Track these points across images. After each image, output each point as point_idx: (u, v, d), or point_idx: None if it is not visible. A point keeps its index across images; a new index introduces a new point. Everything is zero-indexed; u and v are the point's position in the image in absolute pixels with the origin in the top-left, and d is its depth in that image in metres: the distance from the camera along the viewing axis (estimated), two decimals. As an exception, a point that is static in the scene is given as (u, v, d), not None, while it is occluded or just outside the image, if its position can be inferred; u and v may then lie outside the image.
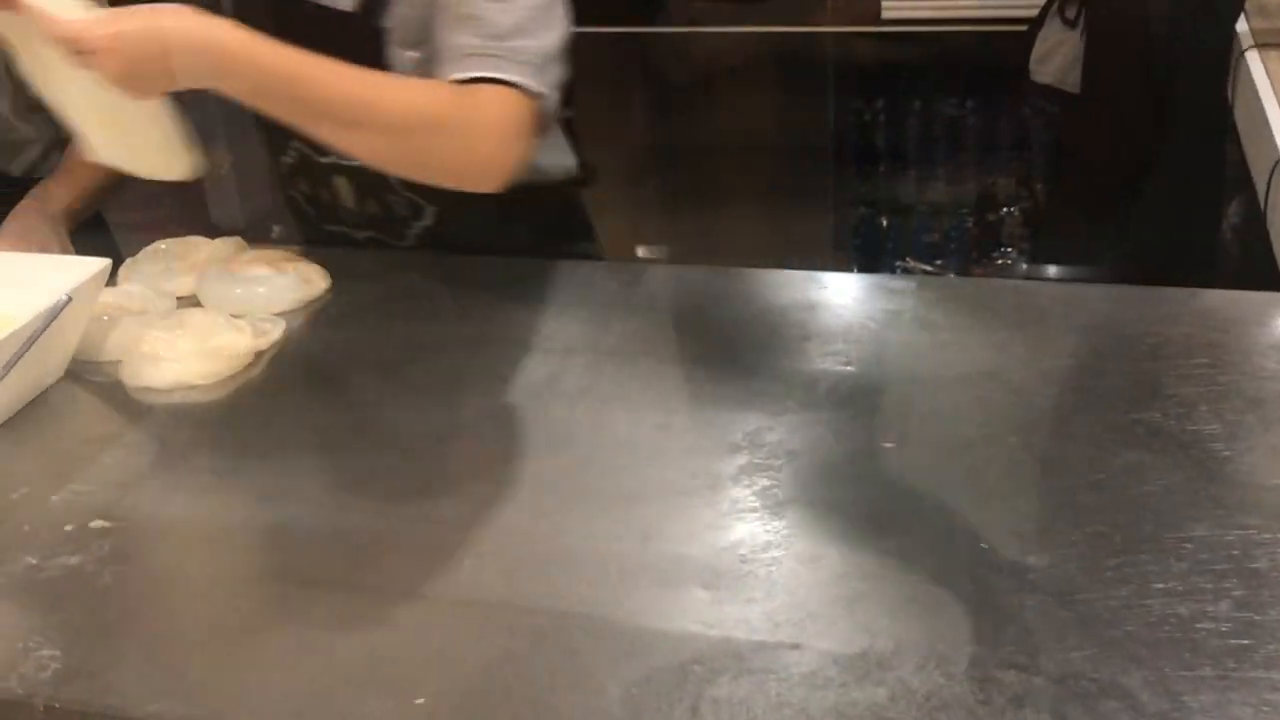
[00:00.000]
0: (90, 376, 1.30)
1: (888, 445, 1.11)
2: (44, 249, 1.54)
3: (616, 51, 2.76)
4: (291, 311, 1.39)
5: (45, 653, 0.92)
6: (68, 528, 1.06)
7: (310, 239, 1.62)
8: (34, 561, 1.02)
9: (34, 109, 1.64)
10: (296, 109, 1.26)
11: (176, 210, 2.28)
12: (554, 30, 1.33)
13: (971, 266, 2.91)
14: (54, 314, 1.21)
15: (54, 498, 1.11)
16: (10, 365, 1.17)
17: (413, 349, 1.32)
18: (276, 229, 2.26)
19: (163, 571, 1.03)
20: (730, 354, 1.28)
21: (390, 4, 1.37)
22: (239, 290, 1.39)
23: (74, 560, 1.02)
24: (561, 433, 1.16)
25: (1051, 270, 2.42)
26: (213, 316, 1.32)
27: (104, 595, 0.99)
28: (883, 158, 2.92)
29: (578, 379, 1.24)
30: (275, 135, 1.51)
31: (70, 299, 1.23)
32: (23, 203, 1.60)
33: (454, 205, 1.47)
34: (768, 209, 2.87)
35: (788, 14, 2.60)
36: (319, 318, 1.39)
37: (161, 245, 1.50)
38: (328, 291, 1.43)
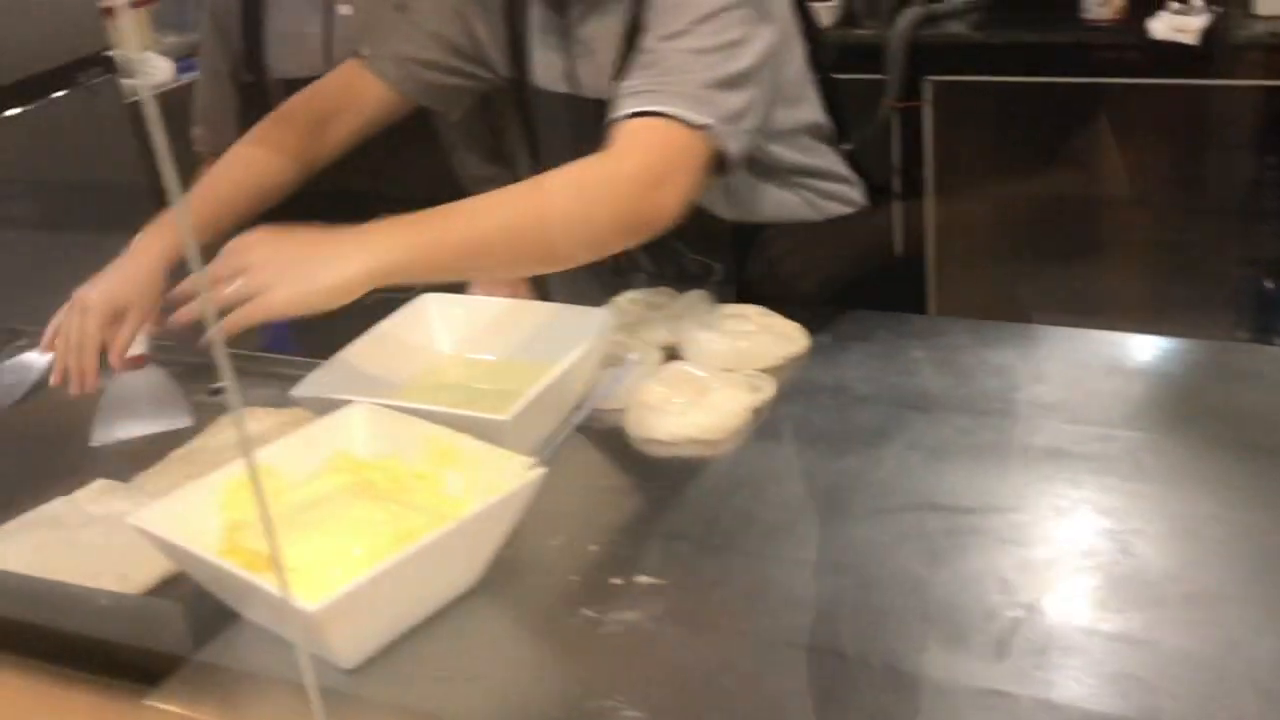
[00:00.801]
0: (593, 423, 1.32)
1: None
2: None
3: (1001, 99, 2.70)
4: (775, 368, 1.38)
5: (630, 714, 0.92)
6: (615, 581, 1.07)
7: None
8: (592, 615, 1.03)
9: (496, 159, 1.71)
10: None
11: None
12: (735, 61, 1.28)
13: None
14: (580, 363, 1.24)
15: (592, 547, 1.12)
16: (568, 418, 1.20)
17: (900, 409, 1.29)
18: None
19: (720, 632, 1.02)
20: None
21: None
22: (721, 345, 1.39)
23: (631, 616, 1.03)
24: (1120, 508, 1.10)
25: None
26: (709, 371, 1.33)
27: (673, 655, 0.98)
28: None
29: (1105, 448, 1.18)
30: None
31: (589, 350, 1.25)
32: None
33: (734, 259, 1.48)
34: (1147, 268, 2.73)
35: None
36: (804, 375, 1.37)
37: (632, 296, 1.52)
38: (808, 350, 1.41)
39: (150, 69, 3.18)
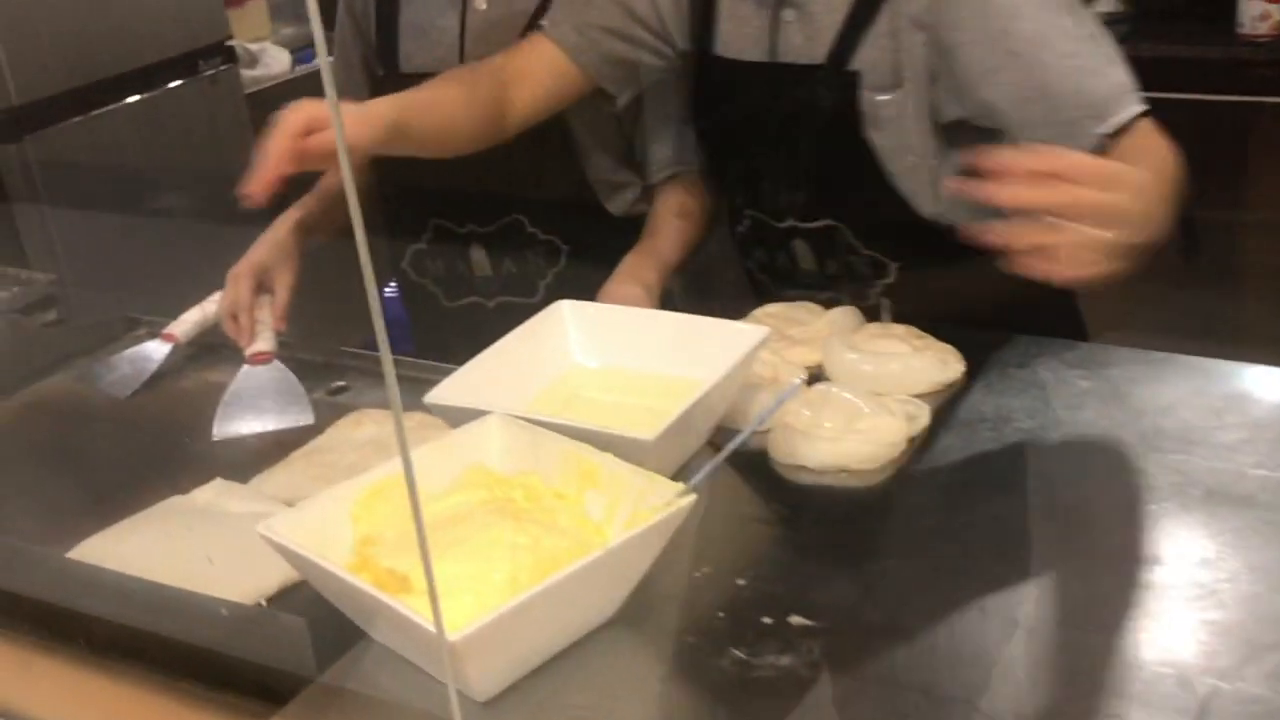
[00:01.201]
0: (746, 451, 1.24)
1: None
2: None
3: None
4: (929, 395, 1.29)
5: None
6: (765, 620, 0.99)
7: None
8: (741, 656, 0.96)
9: (628, 164, 1.65)
10: None
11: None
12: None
13: None
14: (727, 381, 1.16)
15: (739, 581, 1.04)
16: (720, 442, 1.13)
17: (1069, 447, 1.19)
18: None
19: (886, 685, 0.94)
20: None
21: (857, 50, 1.34)
22: (870, 367, 1.31)
23: (785, 661, 0.95)
24: None
25: None
26: (859, 395, 1.24)
27: (833, 708, 0.91)
28: None
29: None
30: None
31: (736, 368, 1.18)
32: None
33: (917, 261, 1.42)
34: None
35: None
36: (962, 404, 1.28)
37: (770, 309, 1.45)
38: (965, 375, 1.32)
39: (269, 59, 3.18)
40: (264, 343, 1.53)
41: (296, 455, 1.37)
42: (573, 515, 1.03)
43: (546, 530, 0.98)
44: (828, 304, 1.48)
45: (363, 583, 0.92)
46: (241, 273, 1.55)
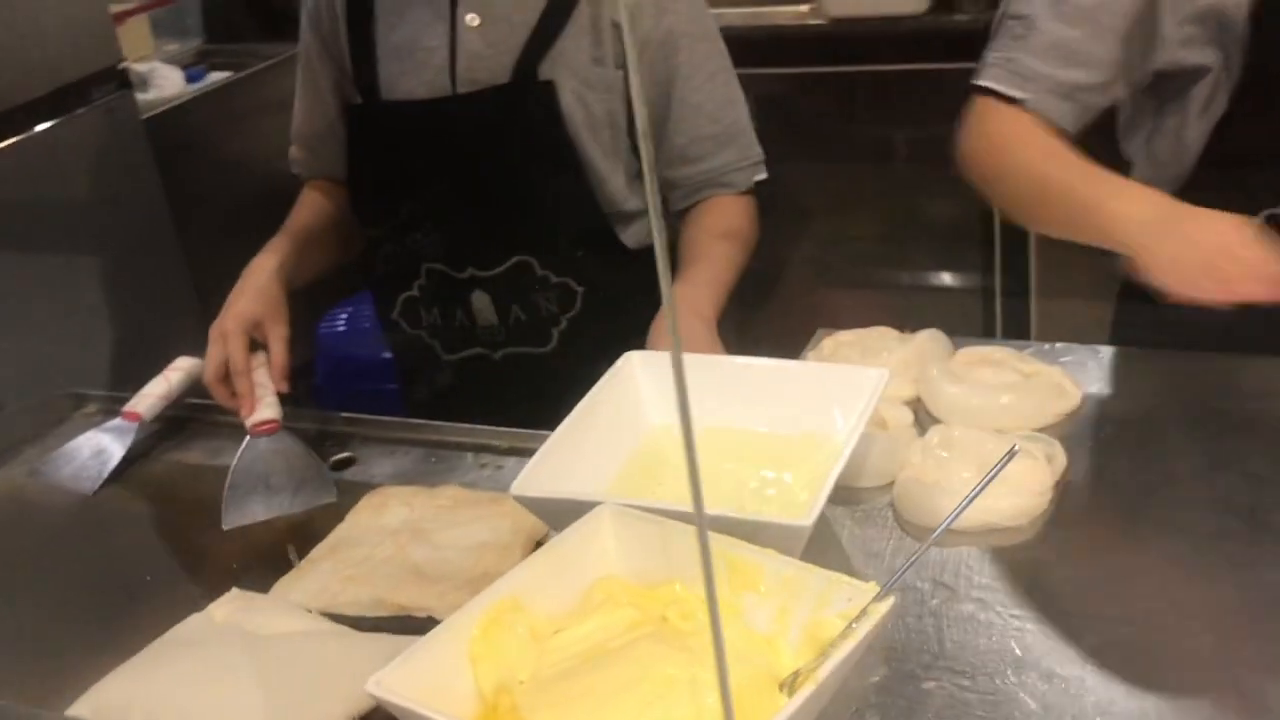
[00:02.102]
0: (849, 502, 1.08)
1: None
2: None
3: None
4: (1049, 427, 1.16)
5: None
6: None
7: None
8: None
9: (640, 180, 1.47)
10: None
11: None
12: None
13: None
14: (861, 437, 1.01)
15: (926, 685, 0.89)
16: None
17: (1232, 484, 1.07)
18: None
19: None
20: None
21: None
22: (979, 400, 1.17)
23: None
24: None
25: None
26: (981, 436, 1.10)
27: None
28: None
29: None
30: None
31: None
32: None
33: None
34: None
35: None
36: (1092, 437, 1.15)
37: (842, 337, 1.29)
38: (1082, 403, 1.19)
39: (160, 80, 2.91)
40: (269, 410, 1.32)
41: (319, 552, 1.18)
42: (736, 630, 0.86)
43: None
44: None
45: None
46: (230, 329, 1.35)
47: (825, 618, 0.82)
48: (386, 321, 1.56)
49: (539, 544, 1.09)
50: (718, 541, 0.89)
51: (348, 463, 1.36)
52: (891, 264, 2.91)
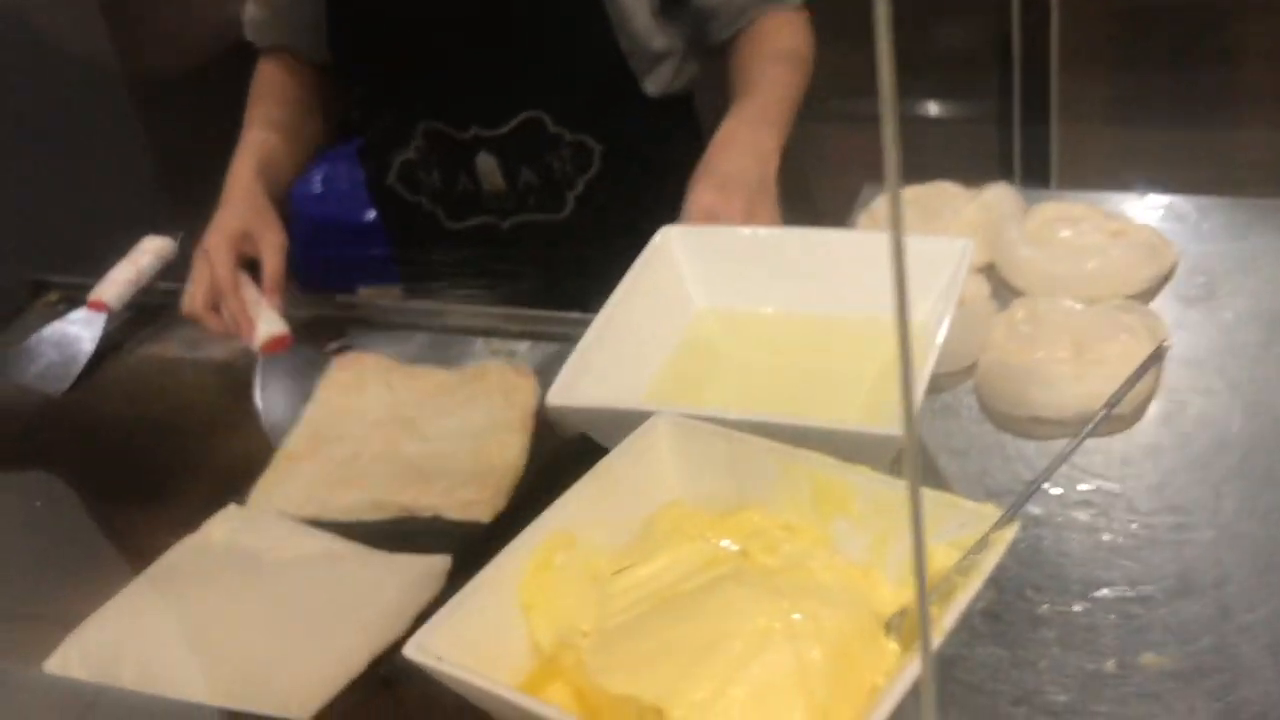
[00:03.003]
0: (942, 396, 0.96)
1: None
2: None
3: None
4: (1142, 293, 1.03)
5: None
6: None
7: None
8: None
9: (671, 18, 1.29)
10: None
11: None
12: None
13: None
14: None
15: (1076, 608, 0.78)
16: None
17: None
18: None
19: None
20: None
21: None
22: (1064, 267, 1.03)
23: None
24: None
25: None
26: (1070, 308, 0.97)
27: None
28: None
29: None
30: None
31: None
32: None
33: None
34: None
35: None
36: (1195, 302, 1.02)
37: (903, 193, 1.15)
38: (1175, 262, 1.06)
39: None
40: (274, 324, 1.17)
41: (296, 446, 1.06)
42: (827, 563, 0.74)
43: (814, 598, 0.69)
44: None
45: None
46: (216, 245, 1.19)
47: (933, 546, 0.70)
48: (380, 189, 1.40)
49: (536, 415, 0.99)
50: (801, 458, 0.76)
51: (344, 350, 1.22)
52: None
